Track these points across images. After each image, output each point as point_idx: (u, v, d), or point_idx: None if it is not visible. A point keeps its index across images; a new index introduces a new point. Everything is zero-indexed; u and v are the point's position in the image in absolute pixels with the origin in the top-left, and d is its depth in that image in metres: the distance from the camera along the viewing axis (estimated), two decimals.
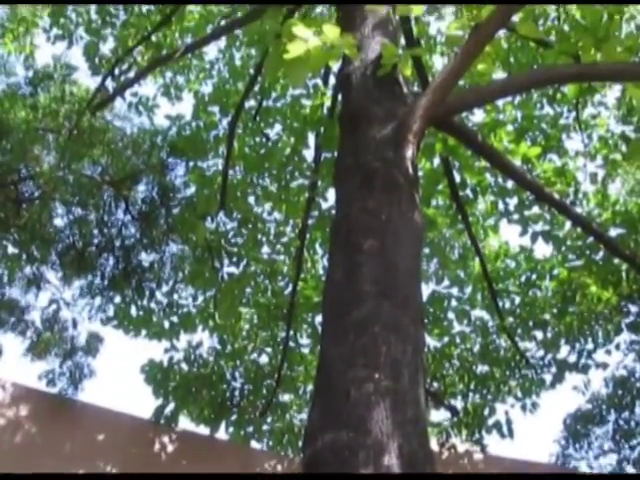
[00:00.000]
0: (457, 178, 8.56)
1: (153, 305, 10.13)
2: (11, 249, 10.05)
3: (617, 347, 10.12)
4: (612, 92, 9.54)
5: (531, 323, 9.95)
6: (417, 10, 5.49)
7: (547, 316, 9.92)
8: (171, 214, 9.89)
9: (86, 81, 10.31)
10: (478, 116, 9.10)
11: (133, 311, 10.07)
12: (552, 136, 9.00)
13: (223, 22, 9.88)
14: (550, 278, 9.93)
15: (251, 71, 9.50)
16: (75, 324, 10.37)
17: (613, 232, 8.98)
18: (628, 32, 7.58)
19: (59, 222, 10.02)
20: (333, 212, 4.87)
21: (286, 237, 9.80)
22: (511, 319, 9.90)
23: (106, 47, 9.70)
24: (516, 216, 8.78)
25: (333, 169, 4.98)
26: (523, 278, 10.07)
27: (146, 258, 10.10)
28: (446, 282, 9.85)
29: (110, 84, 9.24)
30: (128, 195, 9.93)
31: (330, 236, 4.37)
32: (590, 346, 9.91)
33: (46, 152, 9.77)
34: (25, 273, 10.22)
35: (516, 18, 5.20)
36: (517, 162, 8.14)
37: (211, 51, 10.79)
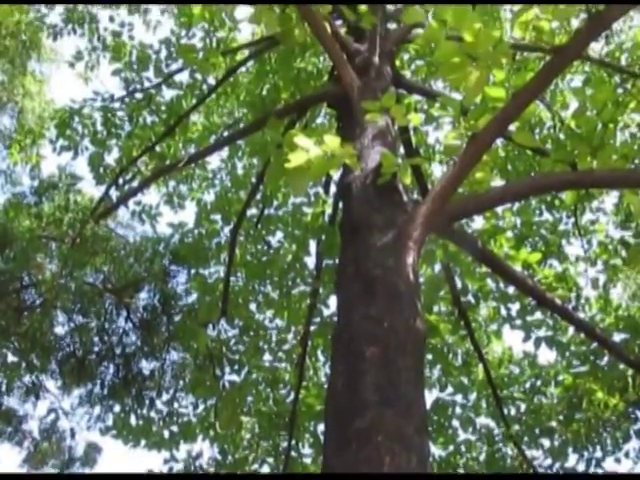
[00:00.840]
0: (458, 284, 8.58)
1: (153, 414, 9.97)
2: (11, 357, 10.00)
3: (627, 455, 9.87)
4: (610, 198, 9.66)
5: (537, 431, 9.75)
6: (415, 120, 5.63)
7: (554, 423, 9.74)
8: (172, 322, 9.88)
9: (90, 190, 10.50)
10: (478, 223, 9.20)
11: (132, 420, 9.91)
12: (552, 242, 9.06)
13: (226, 133, 10.12)
14: (555, 384, 9.79)
15: (253, 180, 9.66)
16: (73, 434, 10.22)
17: (617, 337, 8.92)
18: (623, 140, 7.73)
19: (60, 330, 10.01)
20: (335, 319, 4.85)
21: (288, 344, 9.73)
22: (517, 426, 9.72)
23: (111, 157, 9.89)
24: (519, 322, 8.74)
25: (334, 276, 5.00)
26: (528, 384, 9.94)
27: (147, 366, 10.04)
28: (450, 389, 9.72)
29: (114, 193, 9.39)
30: (129, 303, 9.94)
31: (332, 343, 4.34)
32: (599, 454, 9.68)
33: (49, 260, 9.84)
34: (24, 382, 10.14)
35: (512, 127, 5.32)
36: (518, 268, 8.16)
37: (214, 161, 11.01)
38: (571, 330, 8.93)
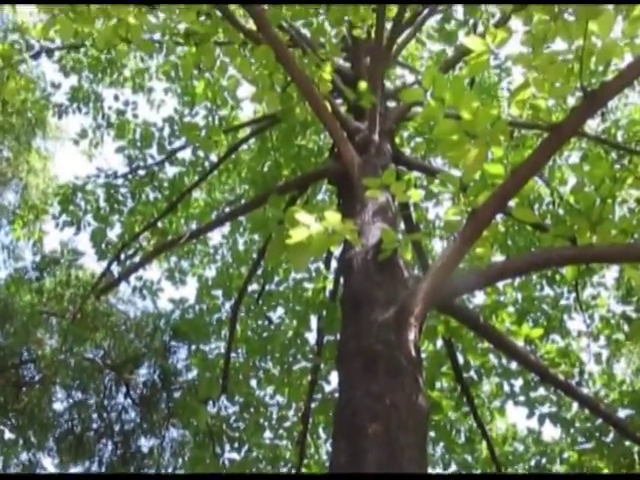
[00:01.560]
0: (461, 360, 8.52)
1: None
2: (8, 434, 9.89)
3: None
4: (610, 273, 9.68)
5: None
6: (415, 196, 5.68)
7: None
8: (172, 398, 9.80)
9: (92, 265, 10.55)
10: (479, 298, 9.20)
11: None
12: (553, 317, 9.04)
13: (227, 209, 10.20)
14: (560, 462, 9.61)
15: (254, 256, 9.70)
16: None
17: (622, 413, 8.81)
18: (621, 215, 7.78)
19: (58, 406, 9.93)
20: (336, 395, 4.82)
21: (289, 421, 9.61)
22: None
23: (113, 233, 9.96)
24: (522, 398, 8.65)
25: (336, 352, 4.98)
26: (532, 462, 9.77)
27: (146, 443, 9.93)
28: (453, 467, 9.56)
29: (115, 269, 9.41)
30: (129, 379, 9.88)
31: (333, 420, 4.30)
32: None
33: (49, 335, 9.83)
34: (21, 459, 10.00)
35: (512, 203, 5.37)
36: (520, 343, 8.12)
37: (215, 236, 11.10)
38: (575, 406, 8.83)
